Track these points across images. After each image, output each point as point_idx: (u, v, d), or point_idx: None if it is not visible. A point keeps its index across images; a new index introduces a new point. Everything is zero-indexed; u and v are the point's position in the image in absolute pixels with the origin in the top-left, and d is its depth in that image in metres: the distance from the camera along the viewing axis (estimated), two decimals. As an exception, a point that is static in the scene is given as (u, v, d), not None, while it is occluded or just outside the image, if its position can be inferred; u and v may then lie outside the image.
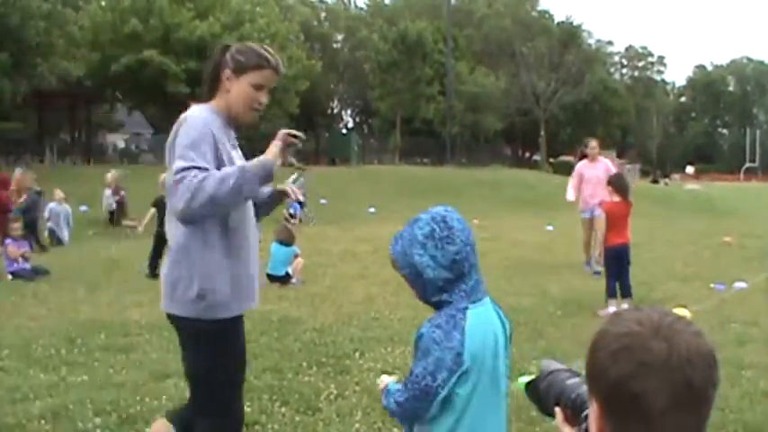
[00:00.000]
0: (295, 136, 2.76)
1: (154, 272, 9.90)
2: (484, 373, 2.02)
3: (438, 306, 2.06)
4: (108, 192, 17.26)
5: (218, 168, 2.61)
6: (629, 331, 1.08)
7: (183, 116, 2.69)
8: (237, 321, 2.87)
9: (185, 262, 2.70)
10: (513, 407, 4.43)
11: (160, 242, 10.00)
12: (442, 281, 2.02)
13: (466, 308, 2.02)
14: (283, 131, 2.75)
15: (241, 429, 3.04)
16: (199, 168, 2.52)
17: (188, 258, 2.69)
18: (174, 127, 2.68)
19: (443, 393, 1.98)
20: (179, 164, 2.55)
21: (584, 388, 1.39)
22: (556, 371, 1.50)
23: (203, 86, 2.84)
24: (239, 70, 2.74)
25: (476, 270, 2.08)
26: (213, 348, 2.78)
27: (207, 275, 2.69)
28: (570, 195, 10.73)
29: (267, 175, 2.59)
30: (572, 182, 10.80)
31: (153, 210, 10.42)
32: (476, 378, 2.00)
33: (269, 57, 2.78)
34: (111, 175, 15.94)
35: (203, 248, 2.68)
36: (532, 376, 1.59)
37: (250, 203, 2.86)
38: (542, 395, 1.50)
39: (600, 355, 1.09)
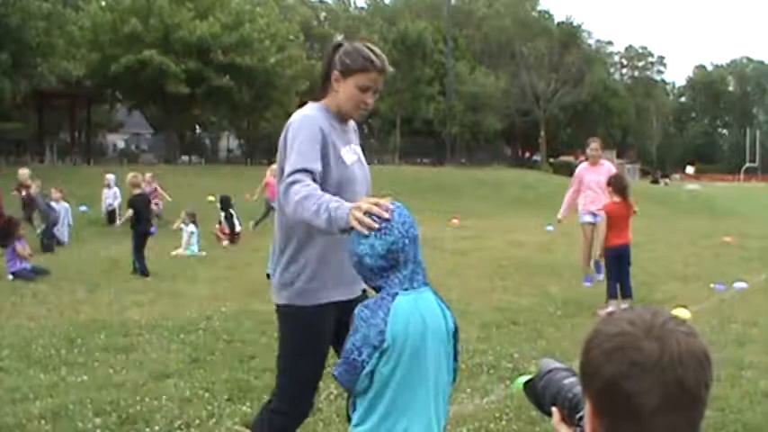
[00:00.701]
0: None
1: (145, 270, 10.05)
2: (406, 355, 2.17)
3: (378, 291, 2.25)
4: (107, 192, 17.27)
5: (324, 163, 2.72)
6: (621, 331, 1.08)
7: (293, 115, 2.82)
8: (325, 310, 2.86)
9: (284, 253, 2.86)
10: (513, 407, 4.44)
11: (139, 239, 10.24)
12: (377, 268, 2.21)
13: (396, 293, 2.19)
14: (372, 209, 2.24)
15: (296, 425, 3.02)
16: (306, 171, 2.59)
17: (286, 250, 2.85)
18: (286, 126, 2.80)
19: (368, 368, 2.16)
20: (288, 167, 2.63)
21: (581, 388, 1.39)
22: (554, 370, 1.50)
23: (319, 83, 2.95)
24: (346, 72, 2.79)
25: (413, 261, 2.24)
26: (296, 334, 2.88)
27: (299, 263, 2.81)
28: (561, 212, 9.81)
29: (340, 230, 2.40)
30: (570, 190, 9.75)
31: (131, 210, 10.51)
32: (396, 358, 2.16)
33: (374, 59, 2.78)
34: (22, 173, 15.29)
35: (298, 239, 2.81)
36: (531, 375, 1.59)
37: (358, 191, 2.86)
38: (540, 394, 1.50)
39: (592, 354, 1.10)
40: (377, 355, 2.15)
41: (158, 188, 17.33)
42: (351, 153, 2.91)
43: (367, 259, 2.22)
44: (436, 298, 2.29)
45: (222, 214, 14.67)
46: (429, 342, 2.21)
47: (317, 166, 2.65)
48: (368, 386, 2.20)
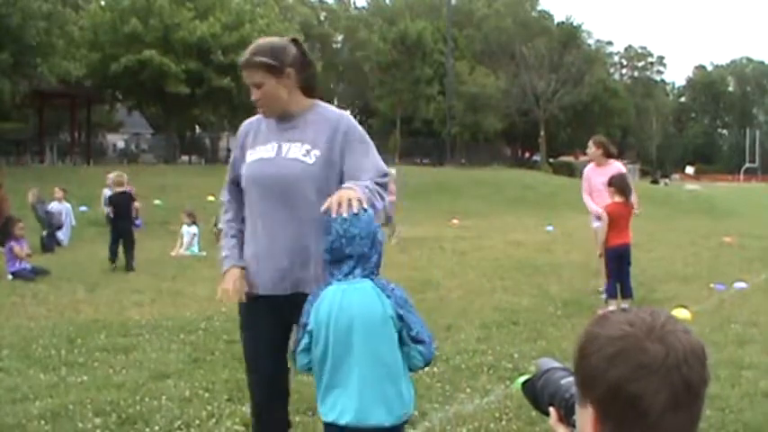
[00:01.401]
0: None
1: (114, 259, 10.71)
2: (332, 339, 2.46)
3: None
4: (108, 192, 17.26)
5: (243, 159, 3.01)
6: (622, 334, 1.07)
7: None
8: (250, 304, 2.94)
9: None
10: (513, 407, 4.44)
11: (115, 234, 10.91)
12: (326, 262, 2.54)
13: (329, 284, 2.50)
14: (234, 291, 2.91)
15: (256, 422, 3.13)
16: (228, 192, 3.13)
17: None
18: None
19: (301, 347, 2.53)
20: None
21: None
22: (552, 369, 1.50)
23: None
24: None
25: (355, 258, 2.48)
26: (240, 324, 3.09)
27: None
28: (595, 207, 8.47)
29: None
30: (584, 194, 8.86)
31: (109, 207, 11.26)
32: (324, 341, 2.47)
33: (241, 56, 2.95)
34: None
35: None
36: (530, 375, 1.59)
37: (265, 190, 2.89)
38: (538, 394, 1.50)
39: (593, 359, 1.08)
40: (307, 335, 2.50)
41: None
42: (264, 151, 2.92)
43: (324, 254, 2.54)
44: (376, 289, 2.48)
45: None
46: (356, 328, 2.44)
47: (234, 176, 3.03)
48: (309, 365, 2.55)
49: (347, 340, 2.44)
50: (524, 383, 1.56)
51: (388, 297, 2.48)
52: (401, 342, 2.49)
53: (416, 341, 2.50)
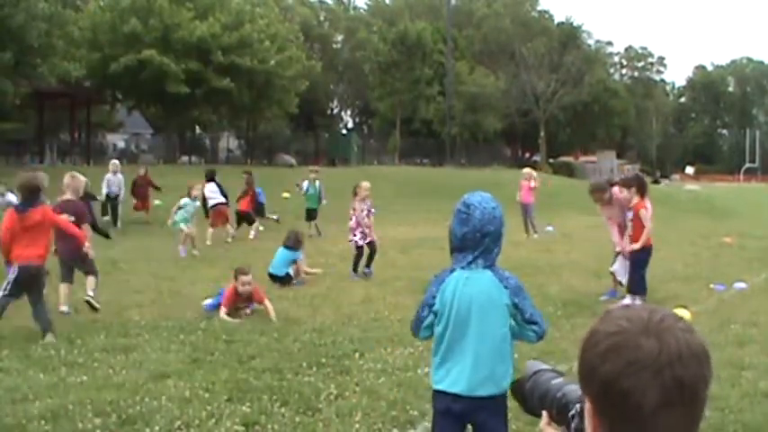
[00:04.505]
0: None
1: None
2: (453, 318, 2.78)
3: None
4: (112, 179, 17.03)
5: None
6: (618, 329, 1.06)
7: None
8: None
9: None
10: (513, 407, 4.44)
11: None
12: (454, 247, 2.84)
13: (454, 269, 2.81)
14: None
15: None
16: None
17: None
18: None
19: (426, 323, 2.86)
20: None
21: (569, 388, 1.39)
22: (540, 371, 1.51)
23: None
24: None
25: (482, 249, 2.76)
26: None
27: None
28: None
29: None
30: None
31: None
32: (446, 321, 2.80)
33: None
34: None
35: None
36: (517, 377, 1.60)
37: None
38: (527, 395, 1.51)
39: (589, 354, 1.08)
40: (432, 314, 2.83)
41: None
42: None
43: (451, 237, 2.83)
44: (495, 279, 2.78)
45: (207, 186, 14.57)
46: (475, 312, 2.77)
47: None
48: (430, 337, 2.90)
49: (466, 322, 2.78)
50: (512, 384, 1.58)
51: (506, 288, 2.79)
52: (516, 324, 2.81)
53: (530, 322, 2.82)
